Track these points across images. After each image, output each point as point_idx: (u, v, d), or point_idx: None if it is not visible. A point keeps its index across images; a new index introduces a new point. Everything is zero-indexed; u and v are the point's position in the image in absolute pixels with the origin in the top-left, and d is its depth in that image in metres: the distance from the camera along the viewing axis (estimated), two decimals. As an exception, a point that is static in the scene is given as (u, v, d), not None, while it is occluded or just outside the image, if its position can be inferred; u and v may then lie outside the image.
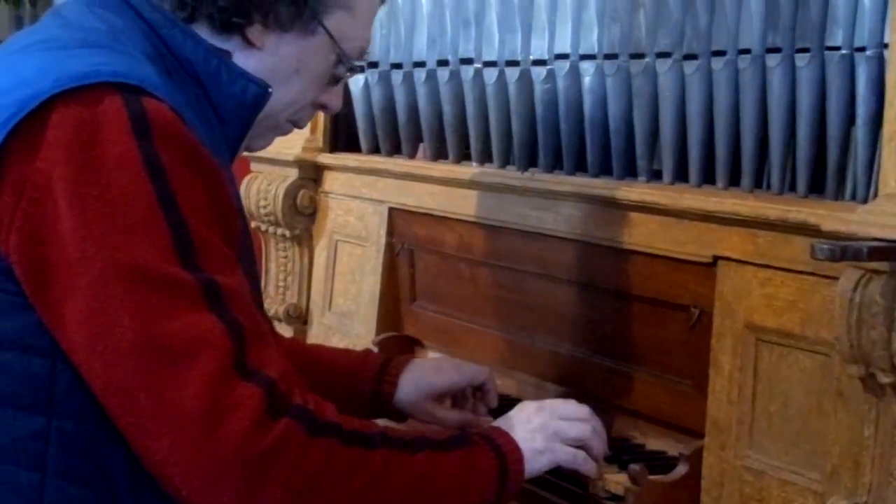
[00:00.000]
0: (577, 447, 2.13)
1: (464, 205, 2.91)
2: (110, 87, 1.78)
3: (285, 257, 3.53)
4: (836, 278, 1.98)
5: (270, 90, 2.03)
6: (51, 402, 1.82)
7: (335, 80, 2.13)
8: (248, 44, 2.02)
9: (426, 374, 2.42)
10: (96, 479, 1.84)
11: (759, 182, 2.36)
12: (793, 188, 2.28)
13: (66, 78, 1.77)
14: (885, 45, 2.05)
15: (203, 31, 2.00)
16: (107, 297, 1.73)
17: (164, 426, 1.74)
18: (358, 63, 2.15)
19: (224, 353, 1.76)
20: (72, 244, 1.74)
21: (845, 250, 1.85)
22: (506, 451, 2.02)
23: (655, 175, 2.53)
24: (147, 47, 1.94)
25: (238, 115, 2.02)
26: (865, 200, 2.10)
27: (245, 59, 2.03)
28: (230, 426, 1.74)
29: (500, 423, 2.12)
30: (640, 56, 2.48)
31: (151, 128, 1.77)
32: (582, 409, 2.18)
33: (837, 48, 2.14)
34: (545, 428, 2.10)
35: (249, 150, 2.18)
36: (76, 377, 1.80)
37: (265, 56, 2.03)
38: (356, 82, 3.19)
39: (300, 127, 2.21)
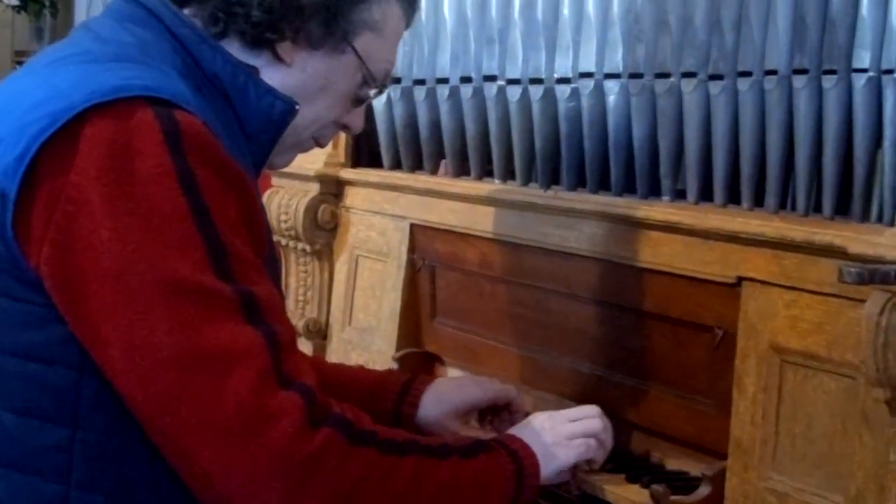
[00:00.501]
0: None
1: (485, 222, 2.91)
2: (142, 100, 1.80)
3: (305, 272, 3.53)
4: (862, 301, 1.98)
5: (297, 107, 2.04)
6: (76, 414, 1.83)
7: (359, 101, 2.17)
8: (278, 60, 2.04)
9: (448, 391, 2.43)
10: (119, 491, 1.86)
11: (785, 203, 2.35)
12: (818, 209, 2.27)
13: (99, 92, 1.79)
14: (914, 68, 2.05)
15: (233, 47, 2.03)
16: (145, 308, 1.76)
17: (207, 435, 1.77)
18: (383, 84, 2.17)
19: (263, 363, 1.79)
20: (107, 257, 1.75)
21: (873, 274, 1.85)
22: (522, 456, 2.08)
23: (679, 194, 2.53)
24: (176, 62, 1.96)
25: (264, 130, 2.04)
26: (892, 223, 2.09)
27: (273, 75, 2.05)
28: (274, 434, 1.77)
29: (515, 431, 2.18)
30: (665, 75, 2.47)
31: (183, 141, 1.79)
32: (590, 408, 2.28)
33: (865, 70, 2.13)
34: (557, 433, 2.16)
35: (272, 167, 2.20)
36: (102, 389, 1.82)
37: (293, 72, 2.05)
38: (378, 98, 3.18)
39: (322, 145, 2.23)
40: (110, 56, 1.91)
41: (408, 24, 2.21)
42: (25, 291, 1.81)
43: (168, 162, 1.77)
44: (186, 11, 2.03)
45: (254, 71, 2.02)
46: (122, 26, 1.99)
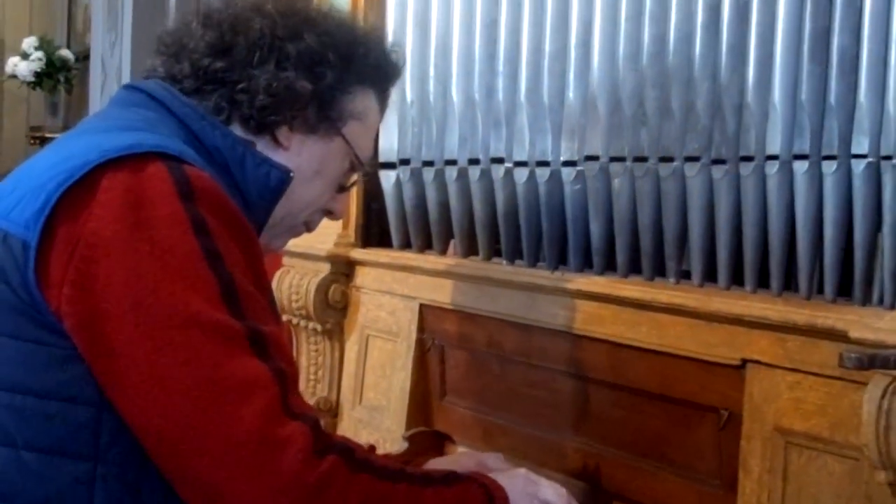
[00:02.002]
0: None
1: (494, 302, 2.95)
2: (154, 155, 1.93)
3: (316, 351, 3.56)
4: (864, 384, 2.00)
5: (292, 175, 2.18)
6: (97, 449, 1.92)
7: (342, 188, 2.33)
8: (276, 144, 2.19)
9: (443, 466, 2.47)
10: None
11: (788, 284, 2.37)
12: (821, 290, 2.30)
13: (113, 149, 1.92)
14: (912, 154, 2.09)
15: (236, 131, 2.17)
16: (162, 343, 1.85)
17: (222, 462, 1.84)
18: (366, 171, 2.36)
19: (273, 394, 1.87)
20: (126, 295, 1.85)
21: (873, 359, 1.88)
22: (492, 489, 2.12)
23: (685, 275, 2.56)
24: (180, 135, 2.09)
25: (262, 197, 2.17)
26: (893, 306, 2.12)
27: (273, 158, 2.19)
28: (285, 460, 1.85)
29: (490, 473, 2.24)
30: (669, 159, 2.51)
31: (194, 191, 1.92)
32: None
33: (864, 156, 2.17)
34: (527, 482, 2.21)
35: (268, 249, 2.30)
36: (121, 424, 1.90)
37: (291, 156, 2.21)
38: (388, 179, 3.23)
39: (310, 230, 2.37)
40: (119, 127, 2.06)
41: (381, 118, 2.38)
42: (46, 335, 1.90)
43: (180, 209, 1.89)
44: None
45: (250, 144, 2.16)
46: (126, 109, 2.15)
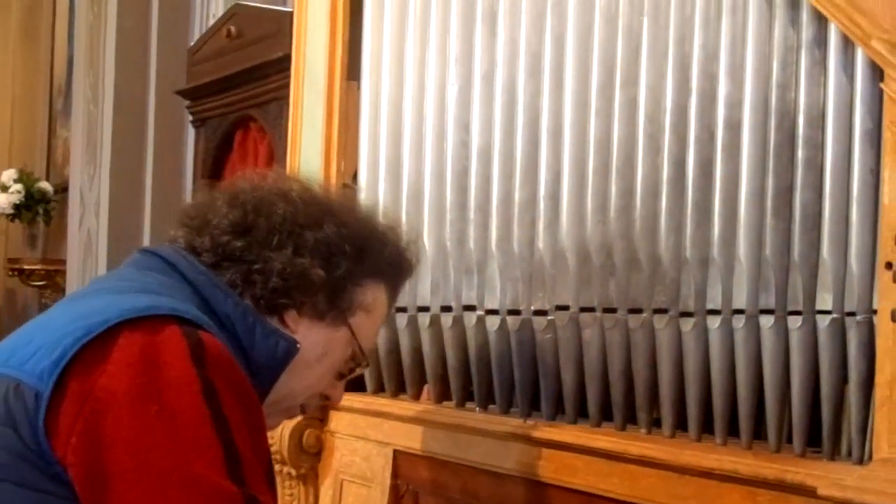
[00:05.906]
0: None
1: (467, 450, 2.94)
2: (171, 319, 1.98)
3: (291, 496, 3.54)
4: (835, 539, 2.01)
5: (299, 346, 2.22)
6: None
7: (341, 375, 2.37)
8: (284, 325, 2.23)
9: None
10: None
11: (758, 432, 2.39)
12: (791, 439, 2.31)
13: (132, 310, 1.97)
14: (874, 312, 2.12)
15: None
16: (162, 501, 1.87)
17: None
18: (368, 361, 2.39)
19: None
20: (131, 453, 1.88)
21: (841, 521, 1.89)
22: None
23: (656, 423, 2.57)
24: (193, 300, 2.14)
25: (269, 366, 2.21)
26: (861, 460, 2.14)
27: None
28: None
29: None
30: (637, 311, 2.54)
31: (206, 357, 1.96)
32: None
33: (828, 312, 2.20)
34: None
35: None
36: None
37: (296, 339, 2.23)
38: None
39: (305, 413, 2.46)
40: (137, 289, 2.11)
41: (389, 312, 2.44)
42: (51, 484, 1.92)
43: (192, 373, 1.93)
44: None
45: (260, 315, 2.20)
46: (141, 273, 2.20)
